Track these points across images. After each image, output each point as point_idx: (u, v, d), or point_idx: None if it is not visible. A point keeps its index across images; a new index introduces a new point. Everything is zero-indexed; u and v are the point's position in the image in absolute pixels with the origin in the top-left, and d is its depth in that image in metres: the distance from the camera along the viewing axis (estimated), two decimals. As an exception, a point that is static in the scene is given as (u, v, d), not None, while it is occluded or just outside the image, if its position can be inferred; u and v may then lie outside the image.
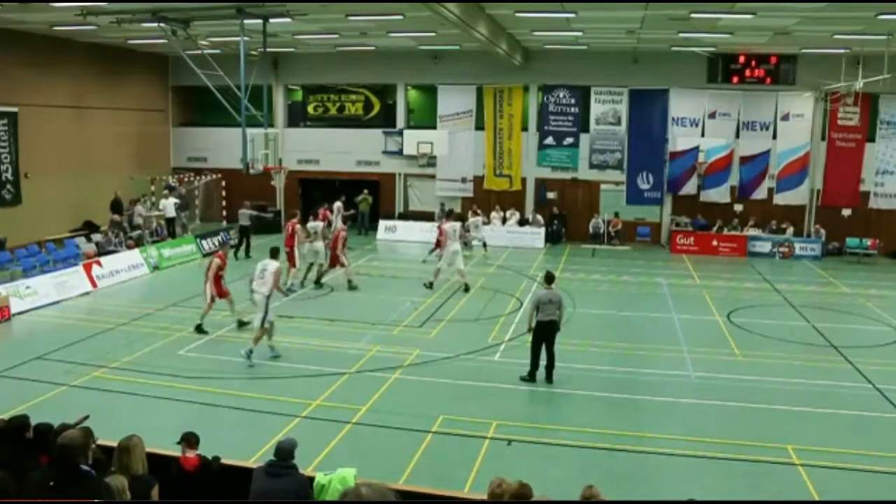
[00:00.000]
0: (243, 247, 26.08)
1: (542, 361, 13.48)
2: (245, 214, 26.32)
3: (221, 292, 16.82)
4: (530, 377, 13.50)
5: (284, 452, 6.60)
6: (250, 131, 23.16)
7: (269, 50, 24.30)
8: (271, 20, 22.10)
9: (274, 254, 15.49)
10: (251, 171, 23.29)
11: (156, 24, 21.60)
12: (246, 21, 21.24)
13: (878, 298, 21.51)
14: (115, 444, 6.10)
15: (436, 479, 9.28)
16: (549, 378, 13.47)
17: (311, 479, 6.56)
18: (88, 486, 5.04)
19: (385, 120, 33.25)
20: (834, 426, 11.88)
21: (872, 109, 29.53)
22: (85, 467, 5.17)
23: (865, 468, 10.16)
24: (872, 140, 29.86)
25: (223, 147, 31.19)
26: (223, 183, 32.48)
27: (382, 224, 31.27)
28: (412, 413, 11.74)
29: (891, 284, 23.76)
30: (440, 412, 11.76)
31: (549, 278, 13.84)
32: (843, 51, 25.76)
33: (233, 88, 23.52)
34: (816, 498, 9.22)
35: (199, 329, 16.34)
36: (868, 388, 13.69)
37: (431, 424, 11.27)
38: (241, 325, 16.77)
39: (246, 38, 22.23)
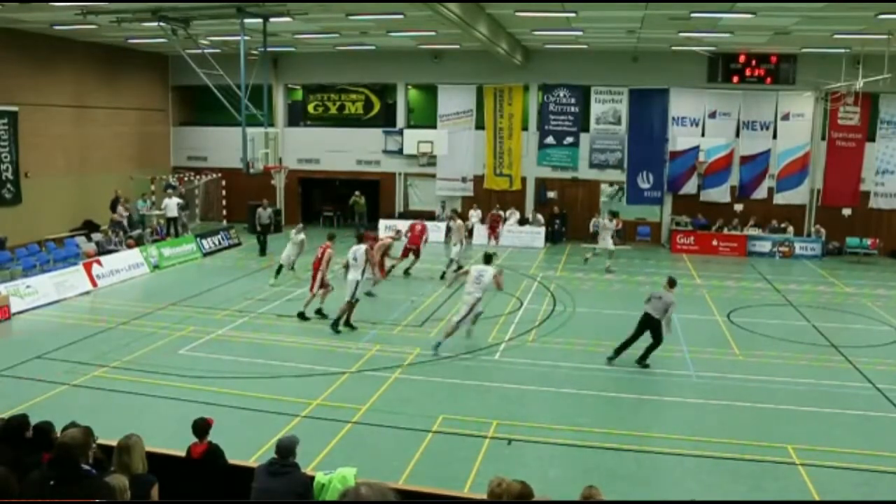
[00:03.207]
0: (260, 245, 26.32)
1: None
2: (266, 214, 26.30)
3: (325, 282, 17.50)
4: (615, 354, 14.57)
5: (285, 451, 6.61)
6: (250, 131, 23.21)
7: (269, 49, 24.34)
8: (271, 19, 22.15)
9: (360, 238, 17.00)
10: (251, 170, 23.34)
11: (156, 24, 21.63)
12: (246, 20, 21.30)
13: (878, 298, 21.50)
14: (115, 443, 6.10)
15: (436, 478, 9.28)
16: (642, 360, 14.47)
17: (312, 478, 6.56)
18: (88, 485, 5.04)
19: (385, 119, 33.25)
20: (835, 426, 11.87)
21: (873, 109, 29.52)
22: (85, 466, 5.17)
23: (866, 468, 10.16)
24: (872, 140, 29.87)
25: (223, 146, 31.20)
26: (223, 182, 32.48)
27: (383, 223, 31.24)
28: (412, 412, 11.74)
29: (891, 284, 23.74)
30: (440, 412, 11.76)
31: (672, 282, 14.83)
32: (843, 50, 25.75)
33: (233, 88, 23.56)
34: (817, 498, 9.21)
35: (302, 316, 17.39)
36: (869, 388, 13.68)
37: (431, 424, 11.26)
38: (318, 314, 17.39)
39: (246, 38, 22.28)
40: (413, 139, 32.06)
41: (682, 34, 24.20)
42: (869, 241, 29.11)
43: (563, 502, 6.34)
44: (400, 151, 32.36)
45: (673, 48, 27.89)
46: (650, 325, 14.35)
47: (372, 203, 32.35)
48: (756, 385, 13.72)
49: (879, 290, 22.60)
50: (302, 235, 21.13)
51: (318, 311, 17.57)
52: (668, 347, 15.51)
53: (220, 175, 32.48)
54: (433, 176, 32.59)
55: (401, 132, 32.45)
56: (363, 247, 16.44)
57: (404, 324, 17.33)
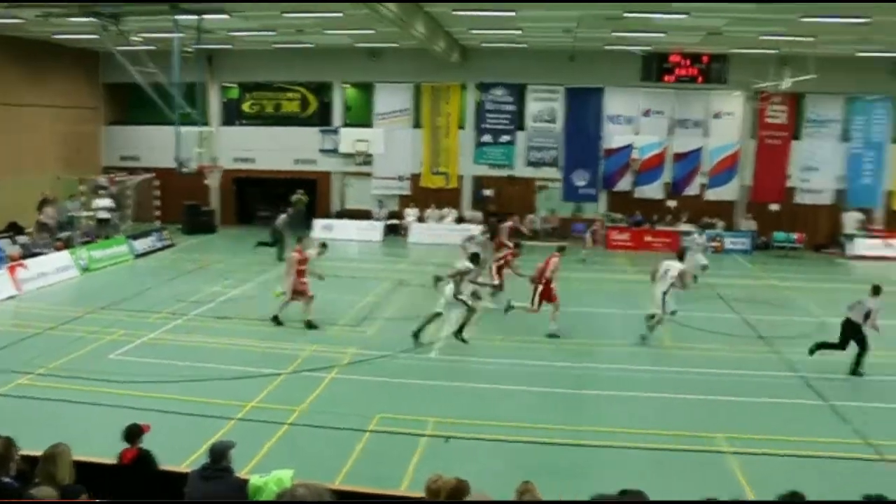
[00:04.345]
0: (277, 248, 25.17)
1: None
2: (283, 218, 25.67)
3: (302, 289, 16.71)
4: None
5: (218, 454, 6.51)
6: (184, 130, 22.79)
7: (203, 47, 23.95)
8: (206, 16, 21.66)
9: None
10: (184, 170, 22.95)
11: (85, 19, 21.02)
12: (180, 17, 20.83)
13: (803, 290, 22.17)
14: (41, 454, 5.92)
15: (373, 478, 9.24)
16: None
17: (247, 481, 6.46)
18: (9, 497, 4.88)
19: (322, 118, 33.01)
20: (763, 414, 12.28)
21: (799, 108, 30.61)
22: (6, 479, 5.00)
23: (793, 453, 10.58)
24: (798, 138, 30.87)
25: (157, 146, 30.51)
26: (157, 183, 31.76)
27: (318, 223, 30.99)
28: (349, 413, 11.67)
29: (816, 277, 24.57)
30: (377, 411, 11.72)
31: (876, 290, 14.58)
32: (771, 52, 26.53)
33: (166, 86, 23.10)
34: (746, 485, 9.45)
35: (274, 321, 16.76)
36: (794, 377, 14.20)
37: (368, 423, 11.23)
38: (310, 326, 16.61)
39: (180, 35, 21.84)
40: (349, 138, 31.89)
41: (616, 34, 24.58)
42: (795, 236, 30.05)
43: (500, 501, 6.36)
44: (336, 150, 32.14)
45: (607, 47, 28.30)
46: (852, 331, 14.37)
47: (309, 202, 32.00)
48: (688, 377, 14.09)
49: (804, 283, 23.32)
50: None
51: (275, 318, 16.91)
52: (605, 342, 15.81)
53: (153, 175, 31.74)
54: (369, 175, 32.44)
55: (337, 131, 32.24)
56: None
57: (341, 323, 17.23)
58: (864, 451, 10.86)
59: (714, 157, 31.05)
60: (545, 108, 31.46)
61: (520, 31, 24.99)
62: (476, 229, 25.82)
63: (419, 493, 6.18)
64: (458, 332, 15.65)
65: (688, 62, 28.32)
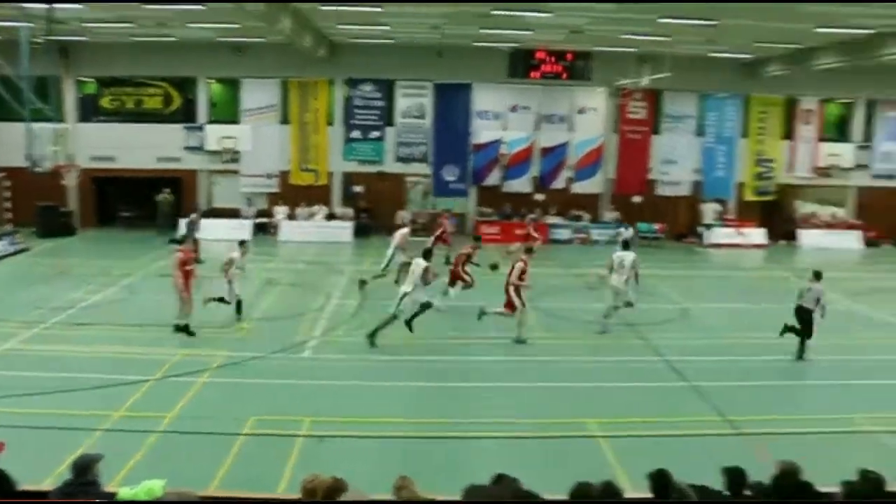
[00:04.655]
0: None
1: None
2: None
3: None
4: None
5: (81, 469, 6.22)
6: (37, 126, 21.61)
7: (56, 38, 22.70)
8: (58, 5, 20.49)
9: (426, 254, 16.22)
10: (37, 169, 21.79)
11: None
12: (28, 5, 19.66)
13: (665, 279, 23.21)
14: None
15: (249, 482, 9.08)
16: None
17: (114, 494, 6.21)
18: None
19: (186, 114, 31.88)
20: (630, 398, 12.86)
21: (657, 104, 32.21)
22: None
23: (657, 434, 11.10)
24: (658, 132, 32.45)
25: (7, 143, 28.58)
26: (7, 183, 29.89)
27: (183, 222, 29.94)
28: (222, 417, 11.40)
29: (676, 266, 25.81)
30: (250, 414, 11.49)
31: (818, 275, 15.28)
32: (631, 50, 27.69)
33: (14, 79, 21.82)
34: (617, 467, 9.81)
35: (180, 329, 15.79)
36: (658, 361, 14.93)
37: (242, 427, 10.99)
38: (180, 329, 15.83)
39: (29, 24, 20.64)
40: (215, 135, 31.09)
41: (484, 31, 24.97)
42: (657, 227, 31.44)
43: (376, 500, 6.36)
44: (202, 148, 31.22)
45: (475, 44, 28.72)
46: (804, 317, 15.06)
47: (175, 202, 30.97)
48: (559, 366, 14.60)
49: (666, 272, 24.40)
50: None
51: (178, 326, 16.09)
52: (478, 335, 16.07)
53: (2, 175, 29.88)
54: (237, 172, 31.69)
55: (202, 128, 31.32)
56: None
57: (211, 326, 16.74)
58: (723, 427, 11.56)
59: (579, 152, 32.13)
60: (414, 103, 31.64)
61: (388, 27, 25.01)
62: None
63: (296, 496, 6.11)
64: (373, 334, 15.40)
65: (553, 59, 29.10)
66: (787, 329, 15.29)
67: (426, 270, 15.53)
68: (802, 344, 15.11)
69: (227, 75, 32.02)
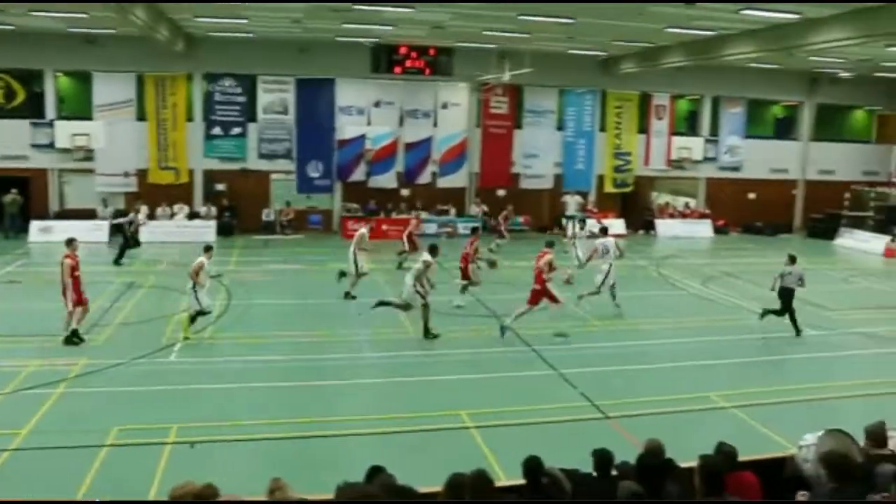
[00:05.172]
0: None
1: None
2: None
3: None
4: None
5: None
6: None
7: None
8: None
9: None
10: None
11: None
12: None
13: (529, 269, 23.69)
14: None
15: (115, 494, 8.72)
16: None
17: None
18: None
19: (33, 110, 29.99)
20: (498, 387, 13.18)
21: (519, 99, 32.98)
22: None
23: (524, 422, 11.39)
24: (520, 127, 33.25)
25: None
26: None
27: (35, 225, 28.33)
28: (82, 429, 10.82)
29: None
30: (114, 423, 10.97)
31: (793, 259, 16.92)
32: (492, 46, 28.22)
33: None
34: (490, 456, 10.00)
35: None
36: (526, 350, 15.41)
37: (105, 438, 10.48)
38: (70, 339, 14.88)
39: None
40: (66, 132, 29.33)
41: (346, 25, 24.81)
42: (521, 219, 32.23)
43: (250, 502, 6.23)
44: (52, 145, 29.48)
45: (338, 39, 28.49)
46: (788, 297, 16.66)
47: (22, 203, 29.15)
48: (430, 359, 14.81)
49: (530, 262, 24.90)
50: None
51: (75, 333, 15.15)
52: (346, 332, 16.03)
53: None
54: (92, 171, 30.14)
55: (51, 124, 29.58)
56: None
57: (67, 334, 15.87)
58: (591, 411, 12.01)
59: (443, 146, 32.48)
60: (277, 99, 31.11)
61: (246, 21, 24.42)
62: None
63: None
64: (427, 331, 15.92)
65: (416, 55, 29.37)
66: (768, 312, 16.97)
67: (427, 266, 15.88)
68: (793, 321, 16.70)
69: (77, 68, 30.41)
